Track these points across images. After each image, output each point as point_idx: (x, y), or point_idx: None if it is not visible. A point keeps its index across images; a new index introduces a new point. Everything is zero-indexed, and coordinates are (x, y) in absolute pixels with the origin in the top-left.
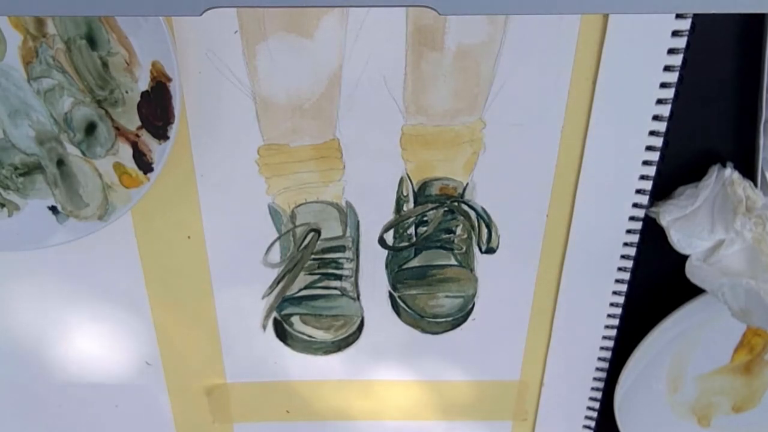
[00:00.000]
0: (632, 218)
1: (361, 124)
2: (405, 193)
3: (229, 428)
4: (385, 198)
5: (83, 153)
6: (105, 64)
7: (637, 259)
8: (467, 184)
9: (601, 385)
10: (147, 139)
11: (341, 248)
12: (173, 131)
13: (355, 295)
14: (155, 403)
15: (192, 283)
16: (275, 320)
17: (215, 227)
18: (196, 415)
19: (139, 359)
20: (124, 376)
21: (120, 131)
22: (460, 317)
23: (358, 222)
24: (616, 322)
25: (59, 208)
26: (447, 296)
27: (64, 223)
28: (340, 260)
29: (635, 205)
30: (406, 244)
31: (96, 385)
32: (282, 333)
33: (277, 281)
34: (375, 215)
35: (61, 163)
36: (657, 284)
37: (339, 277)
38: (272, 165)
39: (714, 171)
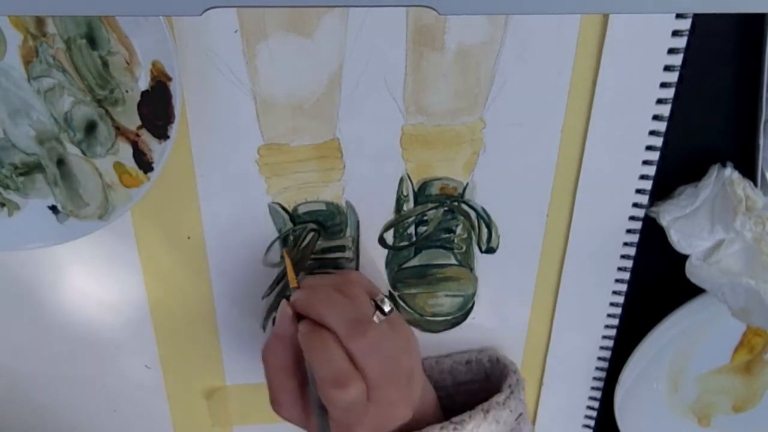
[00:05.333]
0: (632, 218)
1: (361, 124)
2: (405, 193)
3: (229, 431)
4: (385, 198)
5: (83, 152)
6: (105, 64)
7: (637, 259)
8: (467, 184)
9: (601, 385)
10: (147, 138)
11: (341, 248)
12: (173, 130)
13: None
14: (154, 407)
15: (192, 283)
16: (275, 321)
17: (215, 227)
18: (196, 418)
19: (138, 363)
20: (123, 380)
21: (120, 130)
22: (459, 316)
23: (358, 222)
24: (616, 322)
25: (59, 207)
26: (447, 295)
27: (64, 223)
28: (340, 260)
29: (635, 205)
30: (406, 243)
31: (94, 388)
32: None
33: (277, 281)
34: (375, 215)
35: (61, 162)
36: (657, 284)
37: None
38: (272, 165)
39: (714, 171)
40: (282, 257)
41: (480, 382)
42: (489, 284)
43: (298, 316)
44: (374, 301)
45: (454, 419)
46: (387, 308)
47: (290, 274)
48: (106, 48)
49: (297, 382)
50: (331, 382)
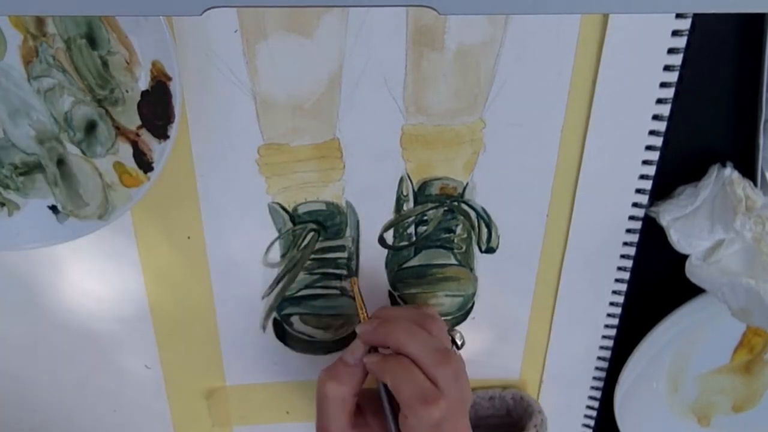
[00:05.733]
0: (632, 218)
1: (361, 124)
2: (405, 193)
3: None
4: (385, 198)
5: (83, 152)
6: (105, 64)
7: (637, 259)
8: (467, 184)
9: (601, 384)
10: (147, 138)
11: (341, 248)
12: (173, 130)
13: None
14: (154, 407)
15: (192, 283)
16: (275, 321)
17: (215, 227)
18: (196, 418)
19: (138, 363)
20: (123, 380)
21: (120, 130)
22: (459, 316)
23: (358, 222)
24: (616, 322)
25: (59, 207)
26: (447, 295)
27: (64, 223)
28: (340, 260)
29: (635, 205)
30: (406, 243)
31: (94, 389)
32: (282, 333)
33: (277, 281)
34: (375, 215)
35: (61, 162)
36: (657, 284)
37: (339, 277)
38: (272, 165)
39: (714, 171)
40: (282, 256)
41: (501, 417)
42: (489, 284)
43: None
44: (451, 335)
45: None
46: (460, 341)
47: (359, 305)
48: (106, 48)
49: (350, 415)
50: (420, 400)
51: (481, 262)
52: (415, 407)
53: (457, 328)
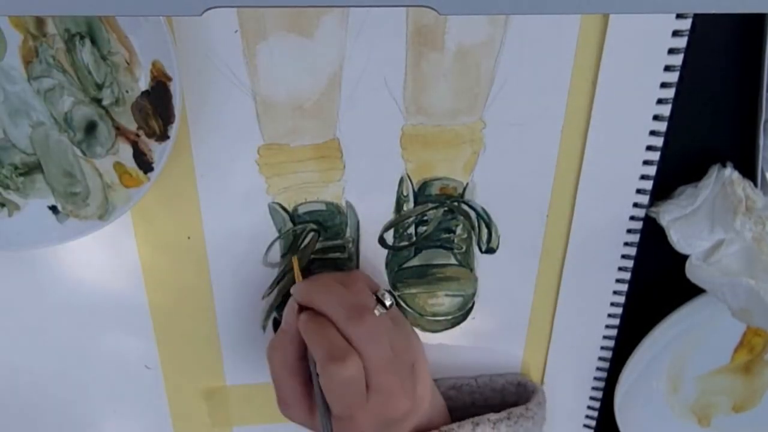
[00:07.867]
0: (632, 218)
1: (361, 124)
2: (405, 193)
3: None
4: (385, 198)
5: (83, 153)
6: (105, 64)
7: (637, 259)
8: (467, 184)
9: (601, 385)
10: (147, 138)
11: (341, 248)
12: (173, 131)
13: None
14: (154, 408)
15: (192, 283)
16: (275, 320)
17: (215, 227)
18: (196, 419)
19: (138, 363)
20: (123, 380)
21: (120, 131)
22: (459, 316)
23: (358, 222)
24: (616, 322)
25: (59, 207)
26: (447, 295)
27: (64, 223)
28: (340, 260)
29: (635, 205)
30: (406, 243)
31: (94, 389)
32: None
33: (277, 281)
34: (375, 215)
35: None
36: (657, 284)
37: None
38: (272, 165)
39: (714, 171)
40: (283, 256)
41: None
42: (489, 284)
43: (300, 309)
44: (376, 294)
45: (443, 428)
46: (388, 302)
47: (296, 272)
48: (106, 48)
49: (301, 380)
50: (329, 358)
51: (481, 262)
52: (324, 364)
53: (388, 289)
